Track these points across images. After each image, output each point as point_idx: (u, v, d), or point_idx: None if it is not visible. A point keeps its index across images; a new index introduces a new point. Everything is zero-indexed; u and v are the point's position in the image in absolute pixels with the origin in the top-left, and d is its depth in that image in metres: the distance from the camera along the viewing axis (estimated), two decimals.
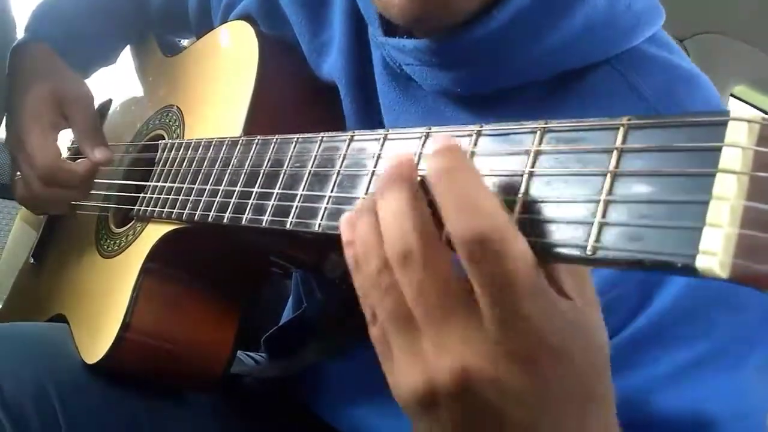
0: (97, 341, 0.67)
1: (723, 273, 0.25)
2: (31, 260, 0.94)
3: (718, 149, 0.26)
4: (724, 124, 0.26)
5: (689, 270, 0.26)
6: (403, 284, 0.34)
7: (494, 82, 0.55)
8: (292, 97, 0.68)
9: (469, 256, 0.31)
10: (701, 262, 0.25)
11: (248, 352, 0.85)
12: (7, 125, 0.81)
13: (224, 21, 0.78)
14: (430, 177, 0.32)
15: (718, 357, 0.48)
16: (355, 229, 0.36)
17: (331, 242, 0.61)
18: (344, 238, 0.37)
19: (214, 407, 0.74)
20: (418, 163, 0.39)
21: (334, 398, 0.74)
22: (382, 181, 0.35)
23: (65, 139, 0.86)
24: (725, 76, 1.57)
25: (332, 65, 0.67)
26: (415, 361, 0.34)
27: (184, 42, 1.03)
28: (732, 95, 1.63)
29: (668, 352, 0.48)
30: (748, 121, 0.26)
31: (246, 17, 0.74)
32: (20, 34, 0.86)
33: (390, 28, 0.59)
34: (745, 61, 1.54)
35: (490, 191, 0.31)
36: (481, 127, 0.36)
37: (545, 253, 0.31)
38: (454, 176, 0.31)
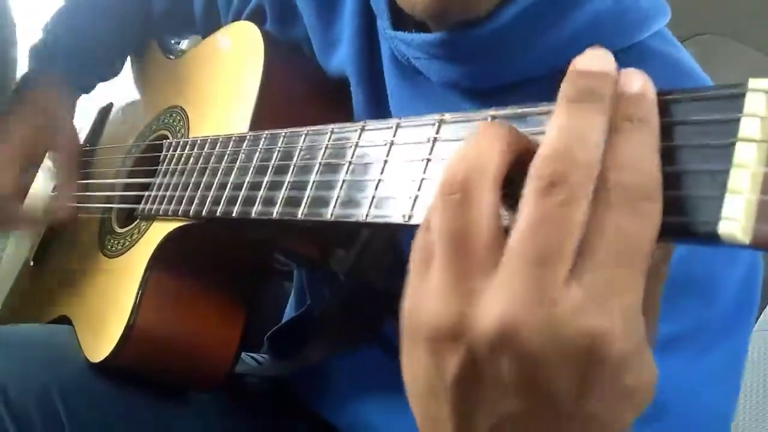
0: (102, 340, 0.66)
1: (745, 238, 0.25)
2: (32, 263, 0.94)
3: (737, 120, 0.27)
4: (742, 95, 0.27)
5: (712, 237, 0.26)
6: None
7: (503, 75, 0.55)
8: (298, 98, 0.68)
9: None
10: (723, 228, 0.26)
11: (249, 353, 0.85)
12: None
13: (237, 16, 0.78)
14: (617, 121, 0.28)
15: (679, 341, 0.48)
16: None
17: (340, 236, 0.62)
18: None
19: (218, 406, 0.74)
20: (432, 147, 0.39)
21: (336, 396, 0.74)
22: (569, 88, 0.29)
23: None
24: (725, 77, 1.57)
25: (342, 58, 0.68)
26: (456, 294, 0.28)
27: (182, 45, 1.04)
28: None
29: None
30: (766, 91, 0.26)
31: (259, 10, 0.75)
32: (20, 34, 0.86)
33: (398, 21, 0.60)
34: (745, 62, 1.56)
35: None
36: (497, 110, 0.37)
37: None
38: (642, 129, 0.28)
